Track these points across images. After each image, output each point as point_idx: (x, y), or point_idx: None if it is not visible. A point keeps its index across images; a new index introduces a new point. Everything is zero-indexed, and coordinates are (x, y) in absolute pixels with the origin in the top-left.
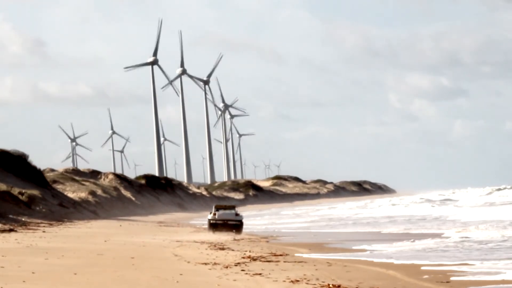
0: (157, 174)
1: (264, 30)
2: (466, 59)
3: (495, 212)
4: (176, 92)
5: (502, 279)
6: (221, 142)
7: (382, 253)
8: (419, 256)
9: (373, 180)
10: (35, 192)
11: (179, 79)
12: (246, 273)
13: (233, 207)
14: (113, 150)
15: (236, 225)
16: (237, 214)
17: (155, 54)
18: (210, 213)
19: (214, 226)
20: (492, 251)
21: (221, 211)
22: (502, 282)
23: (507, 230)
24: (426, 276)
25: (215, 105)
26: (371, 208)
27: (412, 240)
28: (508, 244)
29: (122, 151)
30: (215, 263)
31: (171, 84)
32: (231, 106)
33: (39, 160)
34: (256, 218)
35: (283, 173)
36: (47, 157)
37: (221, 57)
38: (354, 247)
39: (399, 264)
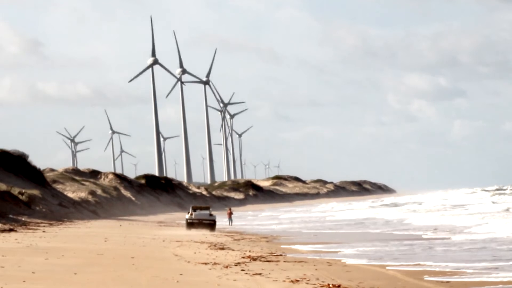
0: (157, 174)
1: (262, 30)
2: (464, 60)
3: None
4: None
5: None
6: (221, 145)
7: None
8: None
9: (373, 180)
10: (35, 192)
11: (178, 85)
12: (246, 273)
13: (207, 208)
14: (113, 150)
15: (210, 224)
16: (211, 214)
17: (153, 54)
18: (188, 213)
19: (191, 224)
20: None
21: (197, 212)
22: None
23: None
24: (426, 276)
25: (221, 102)
26: (338, 211)
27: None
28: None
29: (122, 151)
30: (215, 263)
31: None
32: (229, 103)
33: (38, 160)
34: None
35: (283, 173)
36: (46, 157)
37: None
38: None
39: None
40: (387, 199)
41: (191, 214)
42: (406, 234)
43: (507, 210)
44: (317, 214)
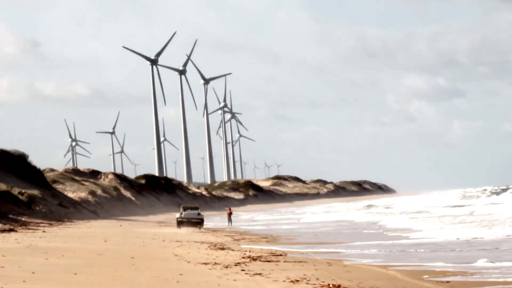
0: (157, 174)
1: (261, 30)
2: (463, 60)
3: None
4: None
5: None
6: (222, 143)
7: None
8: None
9: (373, 180)
10: (35, 192)
11: (180, 82)
12: (246, 273)
13: (196, 208)
14: (113, 150)
15: (197, 222)
16: (199, 214)
17: (158, 55)
18: (179, 212)
19: (181, 222)
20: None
21: (187, 211)
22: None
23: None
24: (426, 276)
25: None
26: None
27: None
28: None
29: (122, 151)
30: (215, 263)
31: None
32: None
33: (37, 160)
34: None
35: (283, 173)
36: (45, 157)
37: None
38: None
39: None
40: (367, 201)
41: (181, 214)
42: (395, 235)
43: (471, 214)
44: (297, 216)
